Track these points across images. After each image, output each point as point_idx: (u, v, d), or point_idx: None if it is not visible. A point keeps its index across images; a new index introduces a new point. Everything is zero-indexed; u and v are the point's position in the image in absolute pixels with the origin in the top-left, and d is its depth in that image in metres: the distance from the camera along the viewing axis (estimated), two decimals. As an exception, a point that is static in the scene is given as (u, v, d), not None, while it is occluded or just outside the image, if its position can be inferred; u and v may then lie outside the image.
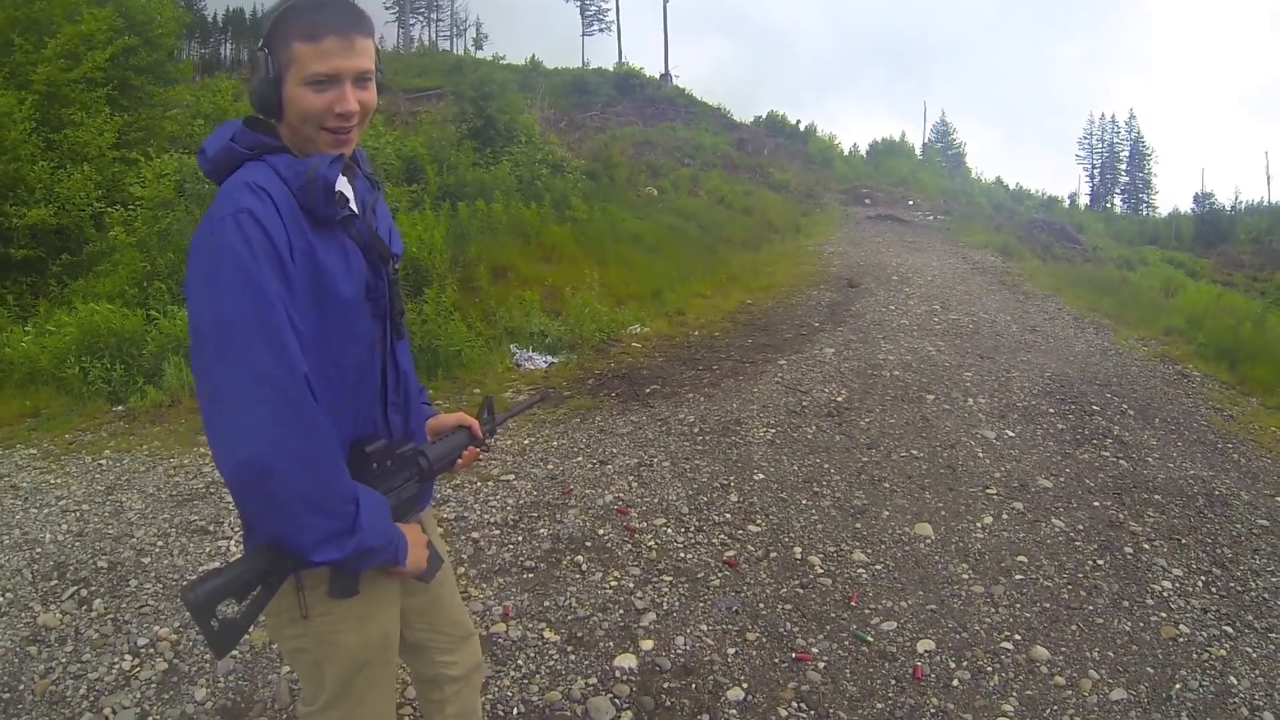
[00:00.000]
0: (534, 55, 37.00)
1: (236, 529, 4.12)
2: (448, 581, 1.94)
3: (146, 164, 9.47)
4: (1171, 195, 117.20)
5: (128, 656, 3.19)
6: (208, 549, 4.04)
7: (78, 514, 4.48)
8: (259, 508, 1.37)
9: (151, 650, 3.22)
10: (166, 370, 6.48)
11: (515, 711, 2.89)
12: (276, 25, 1.44)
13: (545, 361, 7.65)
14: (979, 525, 4.39)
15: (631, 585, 3.73)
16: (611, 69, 37.00)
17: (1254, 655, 3.33)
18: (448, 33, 59.28)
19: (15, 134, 9.75)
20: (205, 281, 1.33)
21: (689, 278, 11.25)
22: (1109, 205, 53.87)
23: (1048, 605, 3.64)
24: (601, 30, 55.49)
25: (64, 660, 3.18)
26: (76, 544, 4.14)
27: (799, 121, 36.67)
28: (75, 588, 3.70)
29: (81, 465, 5.20)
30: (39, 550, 4.07)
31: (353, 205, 1.55)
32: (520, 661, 3.17)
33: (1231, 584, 3.89)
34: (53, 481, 4.96)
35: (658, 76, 35.88)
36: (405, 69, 29.76)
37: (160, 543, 4.12)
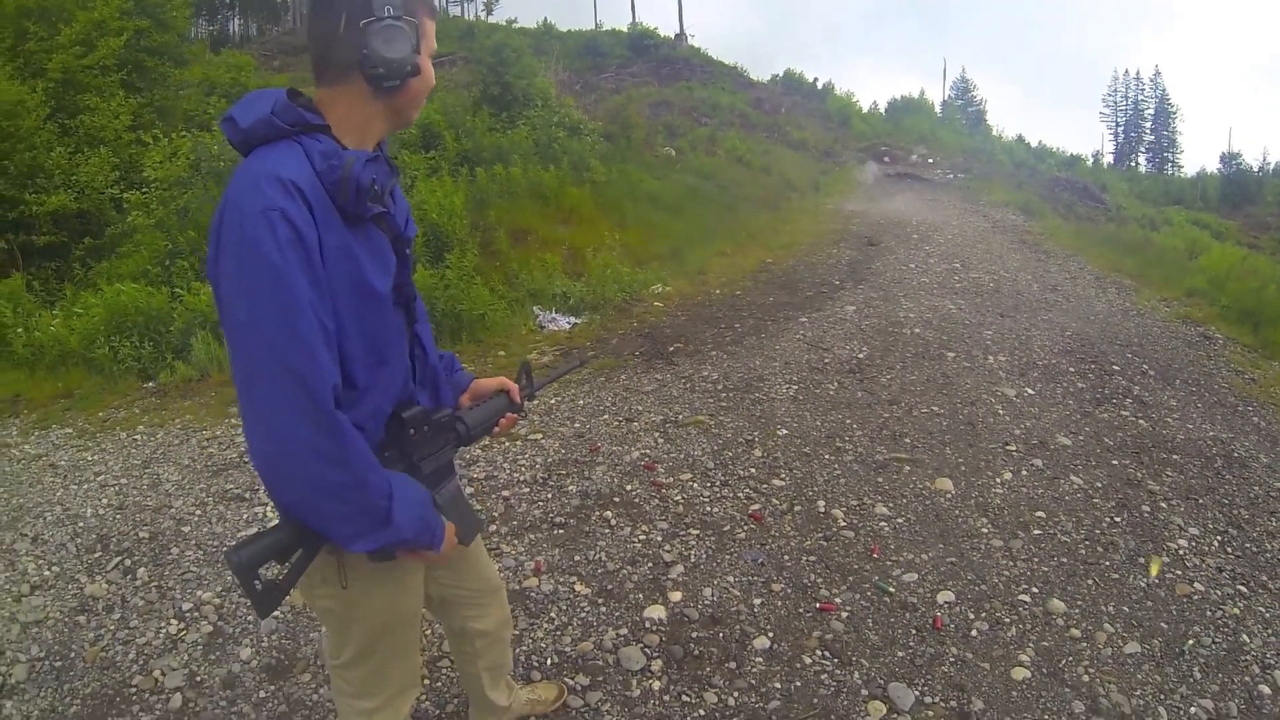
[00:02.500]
0: (546, 18, 36.61)
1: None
2: None
3: (157, 145, 9.55)
4: (1197, 155, 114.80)
5: (173, 621, 3.31)
6: (245, 515, 4.16)
7: (116, 488, 4.61)
8: (291, 501, 1.42)
9: (196, 614, 3.34)
10: (194, 345, 6.55)
11: (549, 662, 2.98)
12: None
13: (568, 322, 7.72)
14: (999, 481, 4.43)
15: (659, 539, 3.80)
16: (625, 30, 36.41)
17: (1267, 615, 3.36)
18: (457, -2, 58.52)
19: (30, 122, 9.84)
20: (237, 280, 1.33)
21: (709, 237, 11.24)
22: (1133, 164, 52.96)
23: (1065, 560, 3.69)
24: (614, -9, 54.61)
25: (112, 628, 3.30)
26: (117, 517, 4.26)
27: (816, 79, 36.21)
28: (119, 558, 3.83)
29: (117, 441, 5.33)
30: (81, 524, 4.20)
31: (386, 199, 1.52)
32: (553, 614, 3.26)
33: (1247, 545, 3.90)
34: (90, 458, 5.09)
35: (672, 36, 35.29)
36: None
37: (199, 511, 4.25)
